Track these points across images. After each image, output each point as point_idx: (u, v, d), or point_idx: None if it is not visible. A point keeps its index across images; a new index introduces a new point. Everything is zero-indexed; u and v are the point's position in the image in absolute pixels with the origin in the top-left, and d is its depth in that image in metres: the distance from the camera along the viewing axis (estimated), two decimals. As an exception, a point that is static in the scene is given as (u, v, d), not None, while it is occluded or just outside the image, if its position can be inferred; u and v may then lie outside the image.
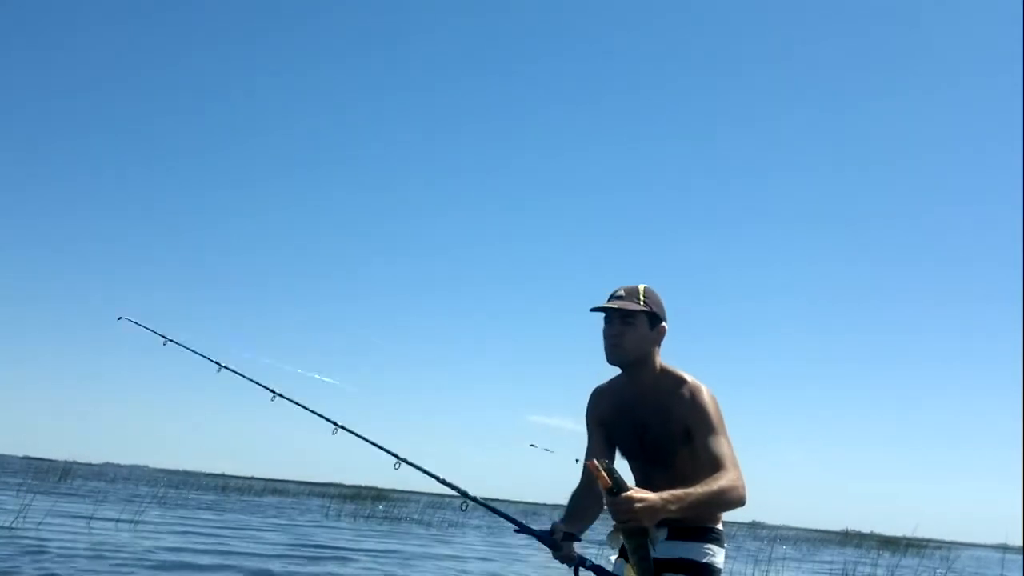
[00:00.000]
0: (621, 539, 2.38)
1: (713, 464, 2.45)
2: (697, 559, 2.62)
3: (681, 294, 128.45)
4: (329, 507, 27.87)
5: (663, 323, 2.65)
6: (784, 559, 18.72)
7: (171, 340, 3.90)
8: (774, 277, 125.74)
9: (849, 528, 48.51)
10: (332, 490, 47.10)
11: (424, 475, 2.94)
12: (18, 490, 19.92)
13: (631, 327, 2.59)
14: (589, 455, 2.71)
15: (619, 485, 2.26)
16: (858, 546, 33.60)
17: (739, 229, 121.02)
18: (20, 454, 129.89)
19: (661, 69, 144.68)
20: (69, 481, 31.67)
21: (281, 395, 3.39)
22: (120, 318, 4.26)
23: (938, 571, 18.75)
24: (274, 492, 39.63)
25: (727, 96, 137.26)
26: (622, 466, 2.74)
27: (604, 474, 2.27)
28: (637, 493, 2.21)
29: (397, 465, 2.99)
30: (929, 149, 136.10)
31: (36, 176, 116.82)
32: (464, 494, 2.86)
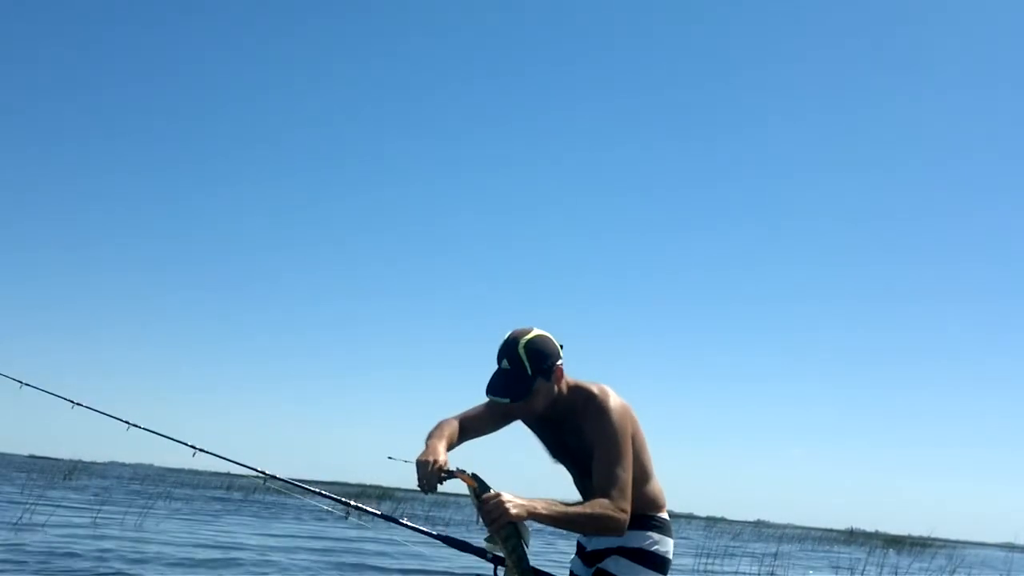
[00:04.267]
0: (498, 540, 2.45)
1: (601, 488, 2.49)
2: (640, 546, 2.72)
3: (692, 290, 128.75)
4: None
5: (557, 364, 2.64)
6: (790, 557, 18.68)
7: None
8: (779, 275, 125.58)
9: (854, 527, 48.56)
10: (337, 489, 47.09)
11: (223, 460, 3.13)
12: (23, 489, 19.94)
13: (533, 395, 2.61)
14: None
15: (483, 485, 2.39)
16: (863, 545, 33.55)
17: (749, 226, 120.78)
18: (25, 452, 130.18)
19: (664, 69, 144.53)
20: (75, 479, 31.72)
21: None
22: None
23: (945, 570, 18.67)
24: (280, 491, 39.43)
25: (730, 97, 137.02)
26: (557, 469, 2.87)
27: (468, 478, 2.40)
28: (505, 494, 2.32)
29: (194, 454, 3.35)
30: (942, 150, 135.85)
31: (48, 176, 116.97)
32: (263, 474, 2.96)
